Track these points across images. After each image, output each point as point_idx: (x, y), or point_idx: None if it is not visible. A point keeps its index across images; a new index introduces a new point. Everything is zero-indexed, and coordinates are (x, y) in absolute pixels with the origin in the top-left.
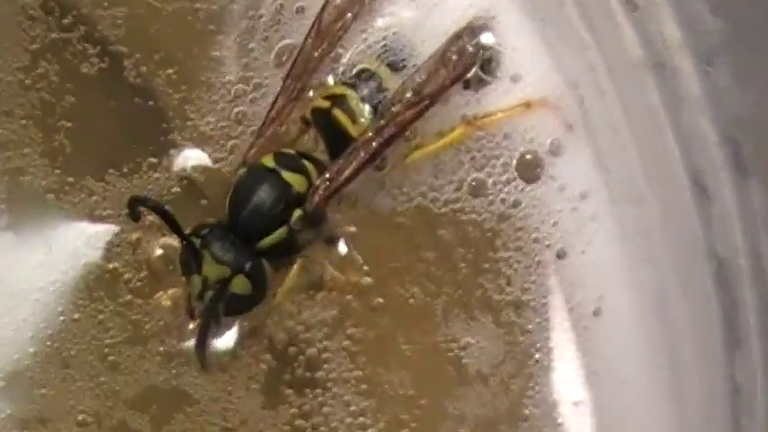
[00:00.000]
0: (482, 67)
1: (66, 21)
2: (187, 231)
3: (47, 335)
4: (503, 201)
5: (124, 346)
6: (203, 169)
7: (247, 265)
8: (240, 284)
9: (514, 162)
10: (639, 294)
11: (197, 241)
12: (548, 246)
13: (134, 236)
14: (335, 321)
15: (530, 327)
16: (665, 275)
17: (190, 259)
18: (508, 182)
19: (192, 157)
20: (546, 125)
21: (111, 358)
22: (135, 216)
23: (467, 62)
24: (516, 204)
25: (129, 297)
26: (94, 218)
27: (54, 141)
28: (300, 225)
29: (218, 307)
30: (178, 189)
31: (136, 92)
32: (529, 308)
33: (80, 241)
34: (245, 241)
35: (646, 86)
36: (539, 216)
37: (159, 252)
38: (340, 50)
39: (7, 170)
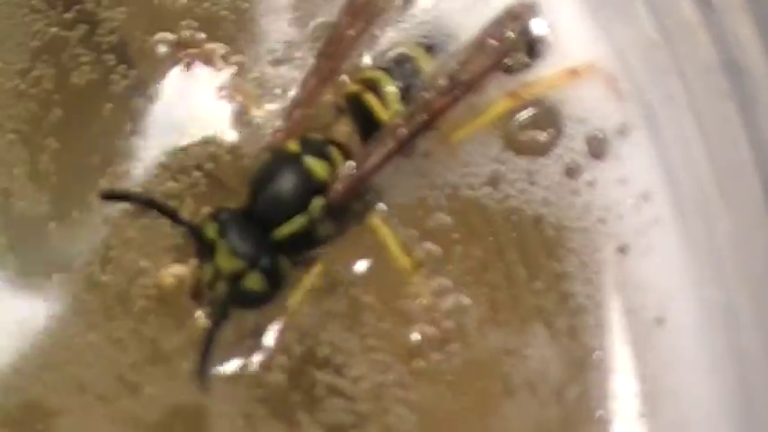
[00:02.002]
0: (527, 54)
1: (68, 15)
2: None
3: (59, 360)
4: (559, 191)
5: (143, 366)
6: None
7: (264, 261)
8: (254, 280)
9: (577, 150)
10: (706, 308)
11: (214, 227)
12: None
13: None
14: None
15: (585, 328)
16: (735, 292)
17: (203, 246)
18: (570, 171)
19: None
20: (605, 112)
21: (130, 379)
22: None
23: (505, 49)
24: (576, 195)
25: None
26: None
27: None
28: (321, 214)
29: (228, 306)
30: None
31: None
32: (586, 307)
33: (81, 260)
34: (263, 230)
35: (718, 90)
36: (599, 210)
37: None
38: (377, 32)
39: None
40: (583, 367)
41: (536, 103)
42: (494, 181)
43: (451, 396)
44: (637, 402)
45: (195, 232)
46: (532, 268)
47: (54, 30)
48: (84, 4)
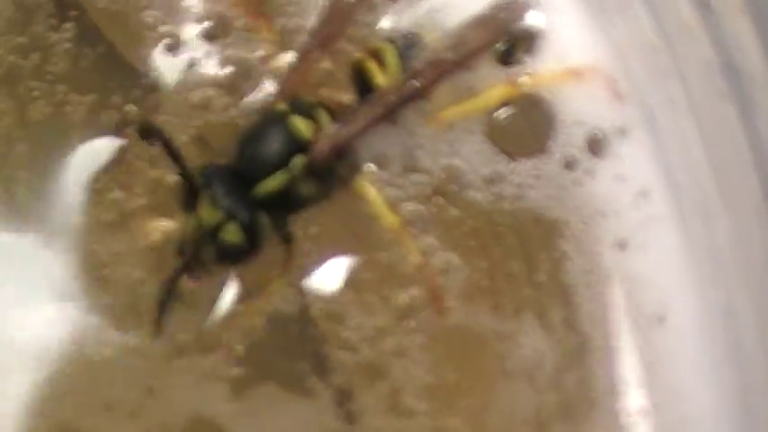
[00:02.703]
0: (525, 50)
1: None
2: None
3: (82, 382)
4: (558, 184)
5: (164, 371)
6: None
7: (243, 214)
8: (232, 232)
9: (576, 147)
10: (705, 307)
11: (200, 180)
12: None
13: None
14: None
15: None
16: (734, 292)
17: (188, 197)
18: (569, 164)
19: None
20: (604, 111)
21: (153, 387)
22: (146, 136)
23: (499, 29)
24: (575, 187)
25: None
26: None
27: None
28: (302, 173)
29: (198, 252)
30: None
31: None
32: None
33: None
34: (246, 186)
35: (718, 91)
36: (598, 204)
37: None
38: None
39: None
40: (581, 356)
41: (536, 100)
42: (493, 176)
43: (449, 365)
44: (638, 393)
45: (185, 183)
46: (530, 260)
47: (10, 58)
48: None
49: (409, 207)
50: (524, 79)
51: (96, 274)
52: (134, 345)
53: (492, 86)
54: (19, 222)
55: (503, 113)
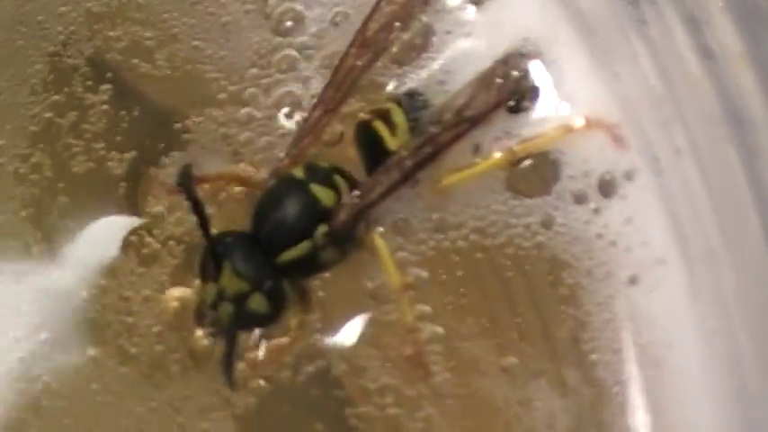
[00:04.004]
0: (530, 96)
1: (58, 97)
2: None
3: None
4: (567, 222)
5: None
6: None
7: (267, 283)
8: (257, 302)
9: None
10: (711, 348)
11: (219, 248)
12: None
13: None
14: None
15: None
16: (739, 337)
17: (210, 266)
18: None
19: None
20: (611, 156)
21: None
22: (182, 183)
23: (510, 88)
24: (585, 225)
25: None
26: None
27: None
28: (324, 241)
29: (236, 323)
30: None
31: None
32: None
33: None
34: (267, 254)
35: (721, 139)
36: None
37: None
38: (388, 66)
39: None
40: (596, 406)
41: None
42: (497, 219)
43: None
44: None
45: (209, 250)
46: (540, 300)
47: (47, 115)
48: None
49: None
50: (521, 146)
51: (124, 321)
52: (166, 397)
53: (490, 156)
54: (57, 268)
55: None
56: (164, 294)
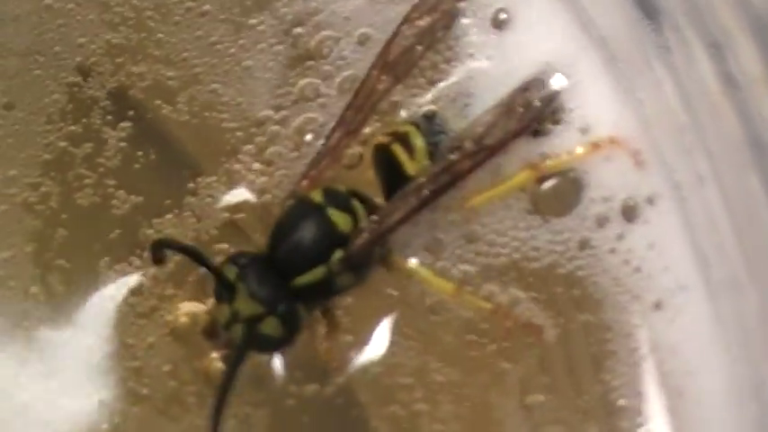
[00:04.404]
0: (551, 121)
1: (74, 128)
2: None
3: None
4: (589, 246)
5: None
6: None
7: (281, 307)
8: (272, 325)
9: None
10: (733, 377)
11: (234, 270)
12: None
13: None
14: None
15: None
16: (761, 363)
17: (223, 288)
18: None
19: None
20: (634, 181)
21: None
22: (158, 259)
23: (532, 116)
24: (607, 250)
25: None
26: None
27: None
28: (340, 267)
29: (245, 348)
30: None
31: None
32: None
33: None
34: (282, 277)
35: (743, 166)
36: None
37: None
38: (416, 91)
39: None
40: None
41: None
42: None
43: None
44: None
45: (218, 273)
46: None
47: (61, 144)
48: (90, 119)
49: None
50: (547, 161)
51: (130, 365)
52: (183, 429)
53: (516, 173)
54: (56, 313)
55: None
56: (174, 309)
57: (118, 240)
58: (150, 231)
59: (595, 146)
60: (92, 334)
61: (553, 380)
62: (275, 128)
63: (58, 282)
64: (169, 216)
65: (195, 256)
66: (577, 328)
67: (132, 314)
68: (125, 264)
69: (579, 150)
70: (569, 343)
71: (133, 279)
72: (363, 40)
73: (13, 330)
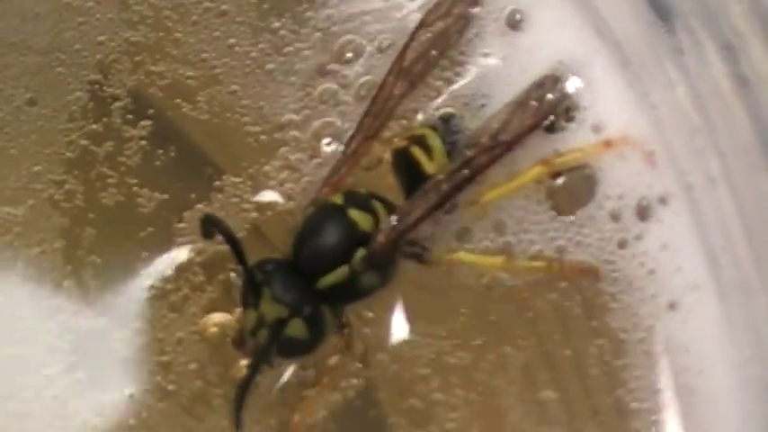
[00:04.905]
0: (565, 119)
1: (95, 126)
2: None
3: None
4: (604, 246)
5: None
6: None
7: (306, 309)
8: (297, 328)
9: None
10: (744, 376)
11: (259, 276)
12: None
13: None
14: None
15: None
16: None
17: (249, 293)
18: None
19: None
20: (646, 182)
21: None
22: (207, 233)
23: (546, 110)
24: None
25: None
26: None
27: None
28: (363, 266)
29: (272, 349)
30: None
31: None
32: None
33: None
34: (307, 280)
35: (755, 167)
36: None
37: (214, 329)
38: (433, 94)
39: None
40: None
41: (582, 167)
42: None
43: None
44: None
45: (248, 278)
46: (576, 329)
47: (83, 142)
48: (111, 118)
49: None
50: (559, 158)
51: (160, 360)
52: (207, 428)
53: (529, 168)
54: (88, 306)
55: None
56: (203, 320)
57: (148, 237)
58: (182, 225)
59: (608, 144)
60: (123, 327)
61: (562, 377)
62: (296, 133)
63: (90, 277)
64: (200, 206)
65: (236, 246)
66: (589, 328)
67: (163, 308)
68: (157, 258)
69: (591, 147)
70: (580, 340)
71: (165, 272)
72: (384, 48)
73: (46, 323)
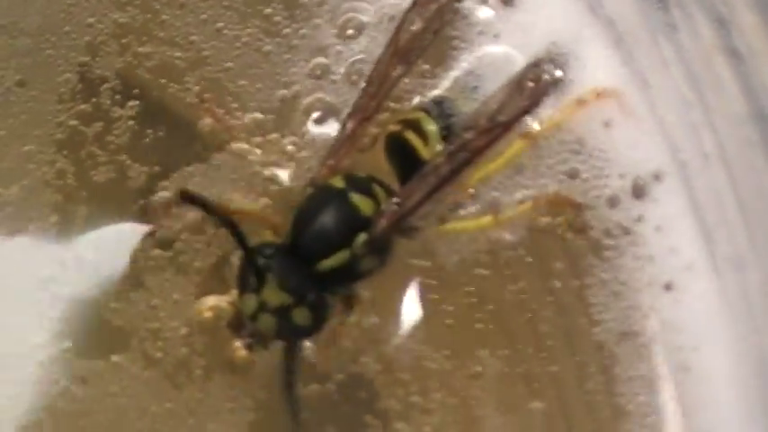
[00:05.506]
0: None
1: (84, 107)
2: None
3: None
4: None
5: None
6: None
7: (310, 296)
8: (301, 315)
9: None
10: (738, 352)
11: (260, 260)
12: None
13: None
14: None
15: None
16: (764, 337)
17: (249, 277)
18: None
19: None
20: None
21: None
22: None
23: (543, 90)
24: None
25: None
26: None
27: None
28: (364, 250)
29: (278, 335)
30: None
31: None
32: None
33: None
34: (307, 264)
35: (747, 140)
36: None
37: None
38: (426, 75)
39: None
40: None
41: (576, 147)
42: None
43: None
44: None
45: (248, 260)
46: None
47: (72, 122)
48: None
49: None
50: (538, 128)
51: (151, 327)
52: (184, 398)
53: (510, 144)
54: (83, 277)
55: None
56: (197, 303)
57: (140, 210)
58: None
59: (581, 102)
60: (115, 298)
61: (556, 357)
62: (289, 112)
63: (84, 249)
64: (190, 168)
65: (233, 228)
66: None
67: (156, 277)
68: (148, 231)
69: (566, 108)
70: (573, 321)
71: (158, 243)
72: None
73: (41, 293)
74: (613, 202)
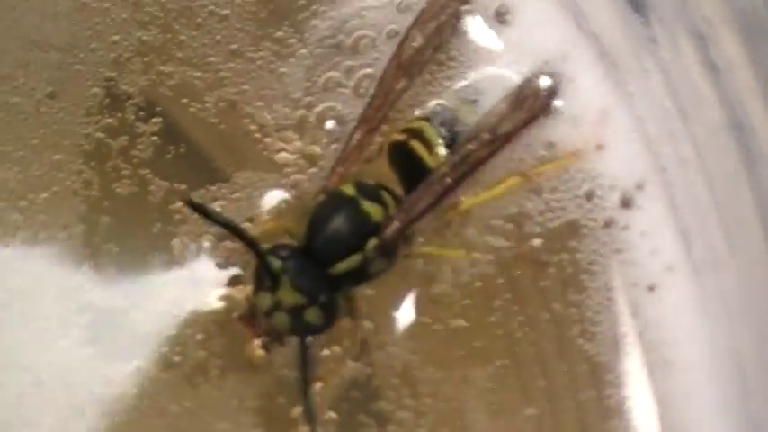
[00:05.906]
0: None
1: (111, 121)
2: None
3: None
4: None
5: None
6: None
7: (322, 297)
8: (313, 314)
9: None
10: (714, 352)
11: (277, 263)
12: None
13: None
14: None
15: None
16: (741, 336)
17: (265, 276)
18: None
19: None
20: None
21: None
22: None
23: (542, 104)
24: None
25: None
26: None
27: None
28: (374, 254)
29: (303, 337)
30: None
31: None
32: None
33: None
34: (321, 267)
35: (725, 149)
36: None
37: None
38: (427, 88)
39: None
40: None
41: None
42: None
43: None
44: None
45: (263, 261)
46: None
47: (99, 135)
48: (124, 114)
49: None
50: (536, 171)
51: (169, 334)
52: (201, 398)
53: (505, 179)
54: (105, 289)
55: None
56: (211, 295)
57: (160, 224)
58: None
59: (578, 153)
60: (138, 306)
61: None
62: (306, 129)
63: (107, 260)
64: (213, 188)
65: (249, 243)
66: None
67: (176, 287)
68: (168, 243)
69: (564, 159)
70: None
71: (178, 254)
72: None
73: (66, 302)
74: (607, 222)
